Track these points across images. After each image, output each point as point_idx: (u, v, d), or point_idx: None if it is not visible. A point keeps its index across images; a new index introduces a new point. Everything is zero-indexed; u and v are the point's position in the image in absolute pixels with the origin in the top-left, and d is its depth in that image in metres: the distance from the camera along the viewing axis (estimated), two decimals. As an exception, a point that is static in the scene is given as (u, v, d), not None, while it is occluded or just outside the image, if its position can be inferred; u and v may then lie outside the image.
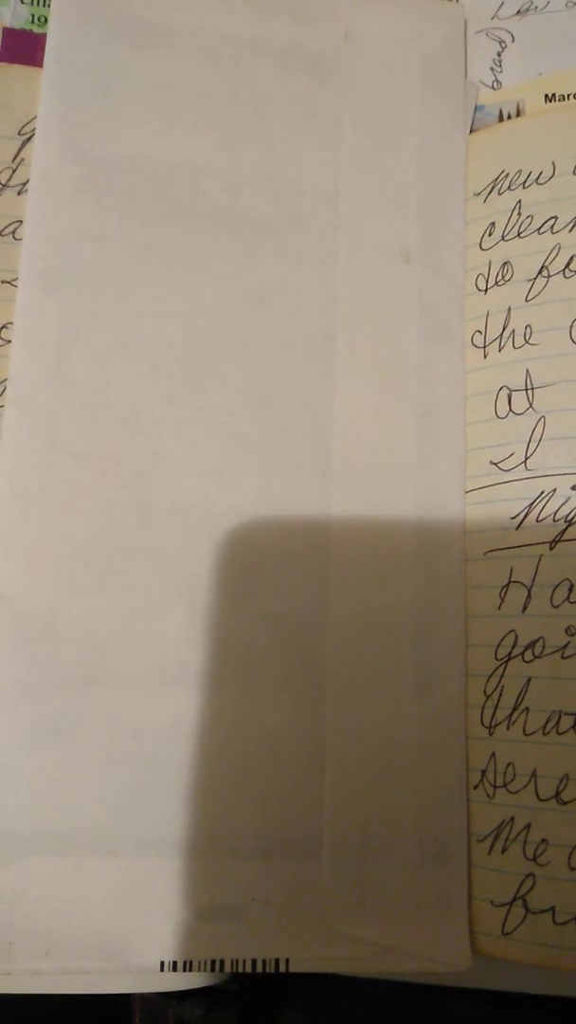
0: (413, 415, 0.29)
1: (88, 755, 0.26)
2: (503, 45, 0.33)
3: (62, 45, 0.30)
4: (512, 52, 0.33)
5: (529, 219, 0.29)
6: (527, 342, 0.28)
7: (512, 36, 0.33)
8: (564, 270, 0.28)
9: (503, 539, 0.28)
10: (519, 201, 0.29)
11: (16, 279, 0.28)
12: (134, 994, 0.27)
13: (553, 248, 0.29)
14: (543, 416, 0.28)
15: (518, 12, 0.33)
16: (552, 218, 0.29)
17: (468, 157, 0.31)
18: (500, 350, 0.29)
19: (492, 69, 0.32)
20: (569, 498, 0.27)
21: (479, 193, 0.31)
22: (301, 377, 0.29)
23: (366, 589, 0.28)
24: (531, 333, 0.28)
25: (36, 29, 0.31)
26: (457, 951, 0.26)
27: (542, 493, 0.27)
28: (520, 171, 0.30)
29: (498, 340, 0.29)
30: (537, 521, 0.27)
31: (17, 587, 0.26)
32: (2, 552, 0.26)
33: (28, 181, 0.29)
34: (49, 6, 0.30)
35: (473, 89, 0.32)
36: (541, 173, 0.29)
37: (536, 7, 0.33)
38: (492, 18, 0.33)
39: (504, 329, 0.29)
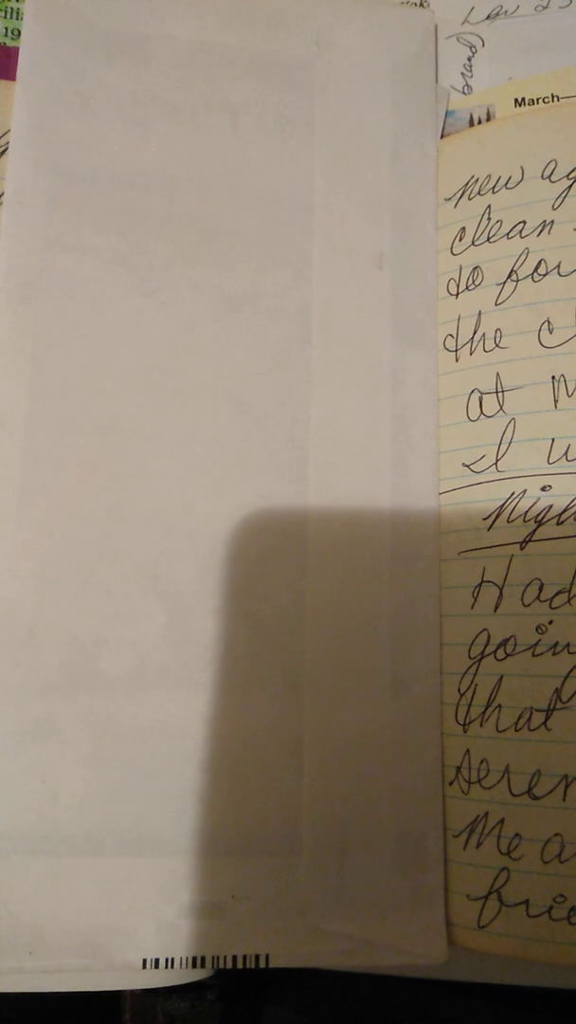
0: (388, 418, 0.30)
1: (71, 757, 0.26)
2: (473, 50, 0.33)
3: (35, 57, 0.30)
4: (482, 57, 0.33)
5: (499, 224, 0.30)
6: (497, 345, 0.29)
7: (482, 41, 0.33)
8: (532, 274, 0.29)
9: (476, 540, 0.28)
10: (489, 206, 0.30)
11: (-7, 290, 0.29)
12: (124, 990, 0.28)
13: (522, 253, 0.29)
14: (513, 418, 0.28)
15: (488, 17, 0.33)
16: (521, 223, 0.29)
17: (439, 162, 0.31)
18: (471, 353, 0.29)
19: (463, 74, 0.33)
20: (538, 499, 0.27)
21: (450, 198, 0.31)
22: (277, 382, 0.29)
23: (343, 590, 0.28)
24: (501, 336, 0.29)
25: (9, 42, 0.31)
26: (434, 944, 0.26)
27: (512, 494, 0.28)
28: (490, 176, 0.30)
29: (469, 344, 0.29)
30: (508, 522, 0.28)
31: (-2, 593, 0.27)
32: (-17, 560, 0.27)
33: (3, 193, 0.29)
34: (22, 19, 0.31)
35: (444, 94, 0.32)
36: (510, 178, 0.30)
37: (506, 12, 0.33)
38: (462, 23, 0.33)
39: (475, 333, 0.29)
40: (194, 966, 0.26)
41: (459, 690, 0.28)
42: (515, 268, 0.29)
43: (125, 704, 0.27)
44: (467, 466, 0.29)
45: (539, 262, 0.29)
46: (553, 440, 0.27)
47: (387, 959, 0.26)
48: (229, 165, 0.30)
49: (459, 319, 0.30)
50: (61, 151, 0.29)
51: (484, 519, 0.28)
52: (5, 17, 0.32)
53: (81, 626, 0.27)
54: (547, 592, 0.27)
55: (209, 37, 0.31)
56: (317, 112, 0.31)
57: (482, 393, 0.29)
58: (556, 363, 0.28)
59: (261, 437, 0.29)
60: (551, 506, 0.27)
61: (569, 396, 0.27)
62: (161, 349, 0.29)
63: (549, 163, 0.29)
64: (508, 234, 0.29)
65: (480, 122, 0.32)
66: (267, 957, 0.26)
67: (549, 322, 0.28)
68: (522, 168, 0.30)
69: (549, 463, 0.27)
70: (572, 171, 0.29)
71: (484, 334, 0.29)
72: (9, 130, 0.29)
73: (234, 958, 0.26)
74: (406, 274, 0.30)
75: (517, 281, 0.29)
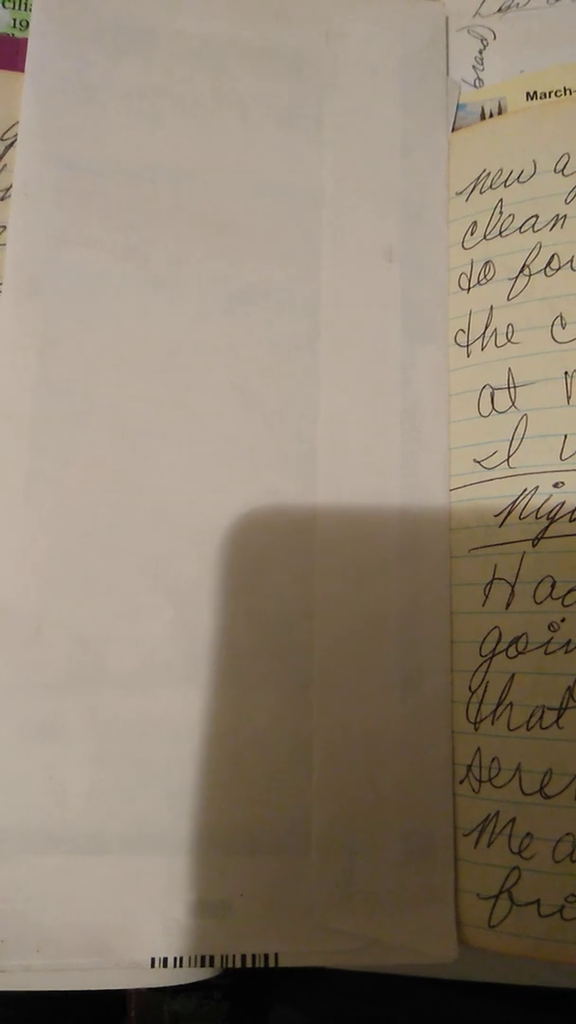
0: (397, 414, 0.29)
1: (76, 755, 0.26)
2: (485, 43, 0.33)
3: (44, 50, 0.30)
4: (494, 50, 0.33)
5: (510, 218, 0.29)
6: (509, 341, 0.28)
7: (494, 33, 0.33)
8: (545, 269, 0.28)
9: (487, 536, 0.28)
10: (500, 200, 0.30)
11: (0, 284, 0.28)
12: (129, 989, 0.27)
13: (534, 247, 0.29)
14: (525, 414, 0.28)
15: (499, 9, 0.33)
16: (533, 217, 0.29)
17: (450, 156, 0.31)
18: (483, 349, 0.29)
19: (474, 67, 0.33)
20: (551, 495, 0.27)
21: (461, 192, 0.31)
22: (286, 378, 0.29)
23: (352, 587, 0.28)
24: (513, 332, 0.28)
25: (18, 34, 0.31)
26: (444, 943, 0.26)
27: (524, 491, 0.27)
28: (501, 170, 0.30)
29: (481, 339, 0.29)
30: (520, 518, 0.27)
31: (4, 590, 0.27)
32: (-11, 556, 0.27)
33: (11, 186, 0.29)
34: (30, 10, 0.30)
35: (455, 87, 0.32)
36: (522, 172, 0.30)
37: (517, 4, 0.33)
38: (474, 15, 0.33)
39: (486, 328, 0.29)
40: (202, 965, 0.26)
41: (470, 688, 0.27)
42: (527, 263, 0.29)
43: (131, 702, 0.27)
44: (478, 462, 0.28)
45: (552, 256, 0.28)
46: (566, 436, 0.27)
47: (396, 958, 0.26)
48: (238, 158, 0.30)
49: (470, 314, 0.29)
50: (69, 144, 0.29)
51: (496, 516, 0.28)
52: (14, 8, 0.32)
53: (87, 624, 0.27)
54: (559, 589, 0.26)
55: (217, 29, 0.31)
56: (326, 105, 0.31)
57: (494, 389, 0.28)
58: (568, 359, 0.28)
59: (269, 432, 0.29)
60: (563, 503, 0.27)
61: (582, 392, 0.27)
62: (168, 344, 0.29)
63: (562, 157, 0.29)
64: (520, 228, 0.29)
65: (491, 115, 0.32)
66: (275, 956, 0.26)
67: (562, 317, 0.28)
68: (534, 162, 0.29)
69: (561, 459, 0.27)
70: (585, 165, 0.29)
71: (496, 329, 0.29)
72: (17, 122, 0.29)
73: (242, 957, 0.26)
74: (416, 268, 0.30)
75: (529, 276, 0.29)
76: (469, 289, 0.30)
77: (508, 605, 0.27)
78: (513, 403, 0.28)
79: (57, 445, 0.28)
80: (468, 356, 0.29)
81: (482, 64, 0.33)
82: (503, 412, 0.28)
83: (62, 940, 0.25)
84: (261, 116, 0.31)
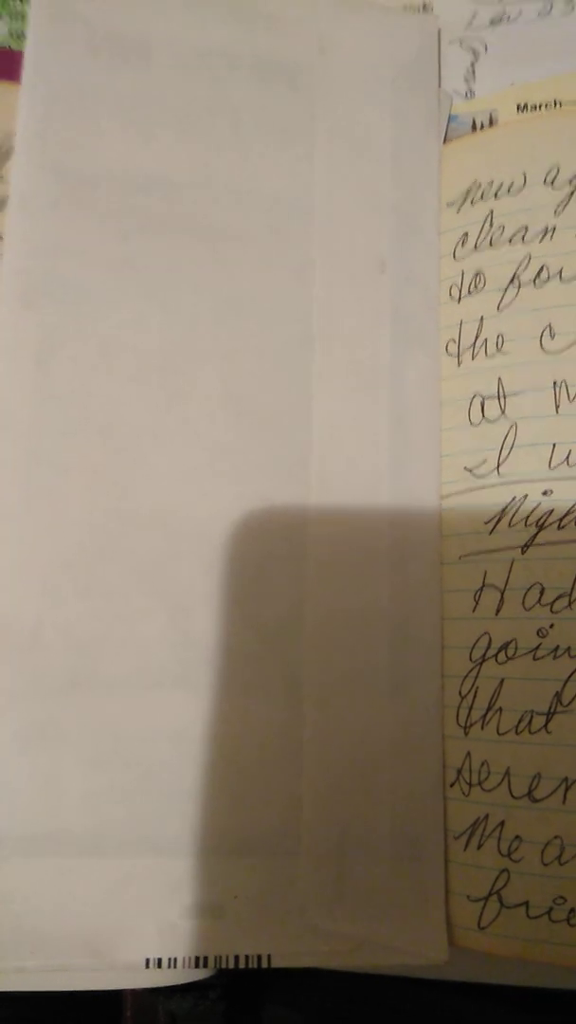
0: (389, 422, 0.30)
1: (73, 758, 0.27)
2: (476, 55, 0.33)
3: (40, 61, 0.30)
4: (485, 62, 0.33)
5: (501, 229, 0.30)
6: (499, 350, 0.29)
7: (485, 46, 0.33)
8: (534, 280, 0.29)
9: (477, 543, 0.28)
10: (491, 211, 0.30)
11: (-3, 294, 0.29)
12: (125, 989, 0.28)
13: (524, 258, 0.29)
14: (515, 423, 0.28)
15: (491, 22, 0.33)
16: (523, 228, 0.29)
17: (442, 167, 0.32)
18: (473, 358, 0.29)
19: (465, 79, 0.33)
20: (540, 503, 0.27)
21: (452, 203, 0.31)
22: (279, 386, 0.30)
23: (343, 592, 0.29)
24: (503, 342, 0.29)
25: (14, 45, 0.31)
26: (435, 945, 0.27)
27: (514, 498, 0.28)
28: (492, 181, 0.30)
29: (471, 348, 0.29)
30: (509, 526, 0.28)
31: (2, 597, 0.27)
32: (-13, 562, 0.27)
33: (7, 198, 0.29)
34: (26, 21, 0.31)
35: (447, 99, 0.32)
36: (512, 183, 0.30)
37: (509, 17, 0.33)
38: (466, 28, 0.34)
39: (477, 338, 0.29)
40: (196, 966, 0.26)
41: (460, 693, 0.28)
42: (517, 273, 0.29)
43: (126, 706, 0.27)
44: (469, 470, 0.29)
45: (541, 268, 0.29)
46: (554, 445, 0.28)
47: (387, 959, 0.27)
48: (231, 169, 0.31)
49: (461, 324, 0.30)
50: (65, 154, 0.29)
51: (486, 523, 0.28)
52: (10, 19, 0.32)
53: (83, 628, 0.27)
54: (548, 596, 0.27)
55: (212, 41, 0.31)
56: (319, 116, 0.31)
57: (484, 398, 0.29)
58: (557, 368, 0.28)
59: (262, 440, 0.29)
60: (552, 510, 0.27)
61: (570, 401, 0.28)
62: (163, 352, 0.29)
63: (551, 169, 0.30)
64: (510, 239, 0.29)
65: (483, 127, 0.32)
66: (268, 957, 0.26)
67: (551, 327, 0.28)
68: (524, 174, 0.30)
69: (550, 468, 0.27)
70: (574, 177, 0.29)
71: (486, 339, 0.29)
72: (13, 133, 0.29)
73: (235, 958, 0.26)
74: (408, 279, 0.31)
75: (519, 287, 0.29)
76: (460, 299, 0.30)
77: (498, 611, 0.27)
78: (503, 412, 0.28)
79: (54, 454, 0.28)
80: (459, 365, 0.30)
81: (474, 76, 0.33)
82: (493, 421, 0.29)
83: (57, 941, 0.26)
84: (254, 127, 0.31)
